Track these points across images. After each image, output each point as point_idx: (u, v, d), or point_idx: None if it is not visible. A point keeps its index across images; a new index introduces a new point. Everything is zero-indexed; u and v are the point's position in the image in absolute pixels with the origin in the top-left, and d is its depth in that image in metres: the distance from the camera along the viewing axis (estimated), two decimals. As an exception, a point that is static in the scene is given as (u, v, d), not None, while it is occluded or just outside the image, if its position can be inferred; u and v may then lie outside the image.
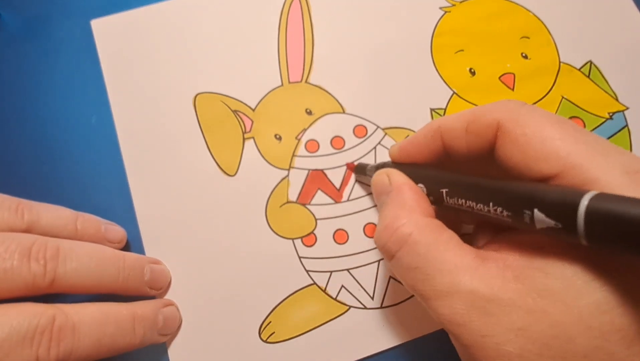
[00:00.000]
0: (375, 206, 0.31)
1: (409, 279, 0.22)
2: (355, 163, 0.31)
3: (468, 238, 0.24)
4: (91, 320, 0.24)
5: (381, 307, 0.29)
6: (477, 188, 0.22)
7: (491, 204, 0.20)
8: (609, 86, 0.34)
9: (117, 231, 0.30)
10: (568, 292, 0.18)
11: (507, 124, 0.22)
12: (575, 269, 0.19)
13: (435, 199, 0.24)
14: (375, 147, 0.32)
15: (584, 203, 0.17)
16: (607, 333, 0.18)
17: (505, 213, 0.20)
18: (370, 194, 0.31)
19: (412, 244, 0.22)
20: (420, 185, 0.25)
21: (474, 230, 0.26)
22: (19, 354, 0.21)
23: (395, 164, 0.27)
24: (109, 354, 0.24)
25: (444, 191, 0.23)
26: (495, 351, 0.19)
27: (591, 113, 0.33)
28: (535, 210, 0.18)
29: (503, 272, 0.20)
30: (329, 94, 0.33)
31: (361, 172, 0.30)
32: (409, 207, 0.23)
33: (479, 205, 0.21)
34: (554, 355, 0.18)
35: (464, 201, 0.22)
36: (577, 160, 0.19)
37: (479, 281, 0.20)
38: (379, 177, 0.26)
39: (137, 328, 0.26)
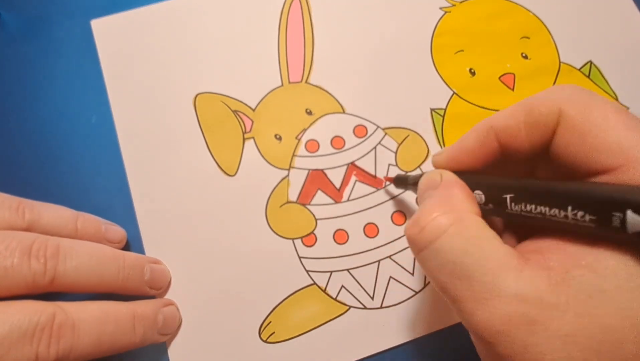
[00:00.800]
0: (375, 206, 0.31)
1: (442, 276, 0.20)
2: (393, 176, 0.30)
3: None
4: (91, 318, 0.24)
5: (381, 307, 0.29)
6: (551, 192, 0.20)
7: (570, 208, 0.18)
8: (609, 86, 0.34)
9: (117, 231, 0.30)
10: (620, 293, 0.17)
11: (569, 109, 0.20)
12: (628, 269, 0.17)
13: (496, 207, 0.22)
14: (375, 147, 0.32)
15: None
16: None
17: (588, 217, 0.18)
18: (370, 194, 0.31)
19: (452, 235, 0.19)
20: (478, 192, 0.22)
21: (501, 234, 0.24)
22: (19, 351, 0.21)
23: None
24: (108, 352, 0.24)
25: (508, 196, 0.21)
26: None
27: (591, 113, 0.33)
28: (629, 212, 0.17)
29: (549, 273, 0.18)
30: (329, 94, 0.33)
31: (401, 183, 0.29)
32: (455, 201, 0.21)
33: (553, 210, 0.19)
34: None
35: (533, 206, 0.20)
36: None
37: (524, 284, 0.18)
38: (431, 175, 0.24)
39: (137, 327, 0.26)
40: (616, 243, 0.18)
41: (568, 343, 0.17)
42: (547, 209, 0.19)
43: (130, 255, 0.28)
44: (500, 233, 0.24)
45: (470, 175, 0.23)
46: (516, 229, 0.24)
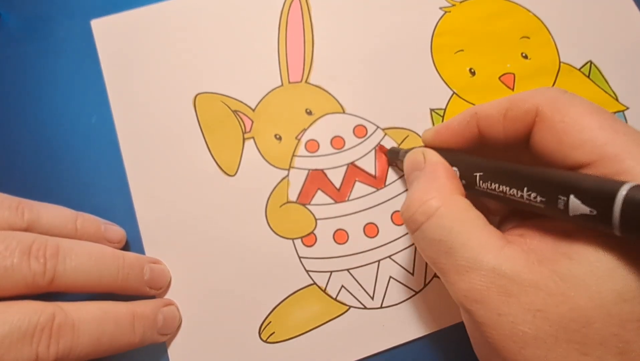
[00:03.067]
0: (375, 206, 0.31)
1: (431, 252, 0.22)
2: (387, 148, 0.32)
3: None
4: (91, 318, 0.24)
5: (381, 307, 0.29)
6: (512, 173, 0.22)
7: (525, 189, 0.21)
8: (609, 86, 0.34)
9: (117, 231, 0.30)
10: (591, 278, 0.18)
11: (546, 110, 0.22)
12: (599, 256, 0.19)
13: (467, 183, 0.24)
14: (375, 147, 0.32)
15: (622, 192, 0.17)
16: (626, 321, 0.18)
17: (539, 198, 0.20)
18: (370, 194, 0.31)
19: (439, 216, 0.22)
20: (454, 168, 0.25)
21: (500, 220, 0.26)
22: (19, 351, 0.21)
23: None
24: (108, 352, 0.25)
25: (478, 175, 0.23)
26: (510, 330, 0.19)
27: (591, 113, 0.33)
28: (571, 196, 0.18)
29: (527, 254, 0.20)
30: (329, 94, 0.33)
31: (394, 156, 0.31)
32: (441, 183, 0.23)
33: (512, 190, 0.21)
34: (570, 338, 0.18)
35: (497, 185, 0.22)
36: (613, 150, 0.19)
37: (503, 260, 0.20)
38: (414, 155, 0.27)
39: (137, 327, 0.26)
40: (591, 234, 0.19)
41: (538, 318, 0.19)
42: (508, 188, 0.22)
43: (130, 255, 0.28)
44: (497, 214, 0.27)
45: (449, 152, 0.26)
46: (513, 216, 0.26)
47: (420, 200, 0.23)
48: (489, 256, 0.20)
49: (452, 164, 0.25)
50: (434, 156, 0.26)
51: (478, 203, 0.24)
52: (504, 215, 0.26)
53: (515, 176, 0.21)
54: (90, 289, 0.25)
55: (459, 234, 0.21)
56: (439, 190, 0.23)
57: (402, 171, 0.28)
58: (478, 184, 0.23)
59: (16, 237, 0.24)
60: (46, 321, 0.22)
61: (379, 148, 0.32)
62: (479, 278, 0.20)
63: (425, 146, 0.28)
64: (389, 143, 0.32)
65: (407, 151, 0.29)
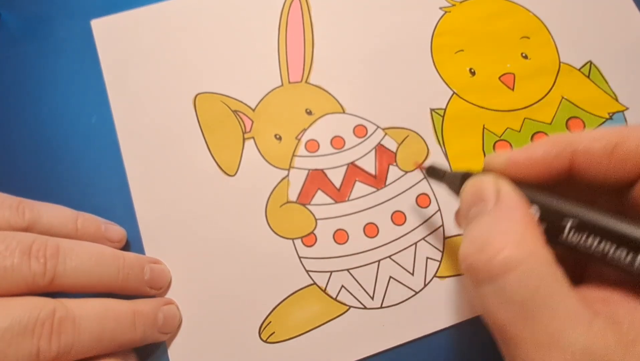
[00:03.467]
0: (375, 206, 0.31)
1: (505, 314, 0.18)
2: (426, 165, 0.28)
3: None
4: (92, 314, 0.24)
5: (381, 307, 0.29)
6: (625, 231, 0.17)
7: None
8: (609, 86, 0.34)
9: (117, 231, 0.30)
10: None
11: None
12: None
13: (549, 230, 0.19)
14: (375, 147, 0.32)
15: None
16: None
17: None
18: (370, 194, 0.31)
19: (525, 272, 0.18)
20: (534, 206, 0.20)
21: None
22: (20, 344, 0.21)
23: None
24: (110, 349, 0.25)
25: (569, 222, 0.19)
26: None
27: (591, 113, 0.33)
28: None
29: (619, 331, 0.17)
30: (329, 94, 0.33)
31: (435, 175, 0.27)
32: (521, 228, 0.19)
33: (619, 252, 0.17)
34: None
35: (597, 241, 0.18)
36: None
37: (593, 339, 0.16)
38: (482, 184, 0.21)
39: (138, 325, 0.26)
40: None
41: None
42: (613, 248, 0.17)
43: (130, 255, 0.28)
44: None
45: (527, 187, 0.21)
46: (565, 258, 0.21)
47: (496, 246, 0.18)
48: (578, 331, 0.16)
49: (530, 201, 0.20)
50: (510, 192, 0.20)
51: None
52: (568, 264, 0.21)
53: (629, 235, 0.17)
54: (91, 289, 0.25)
55: (547, 298, 0.17)
56: (521, 238, 0.18)
57: (451, 190, 0.25)
58: (566, 235, 0.19)
59: (16, 237, 0.24)
60: (47, 316, 0.22)
61: (416, 163, 0.29)
62: (564, 357, 0.16)
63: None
64: (389, 143, 0.32)
65: (453, 174, 0.25)
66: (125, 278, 0.26)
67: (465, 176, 0.23)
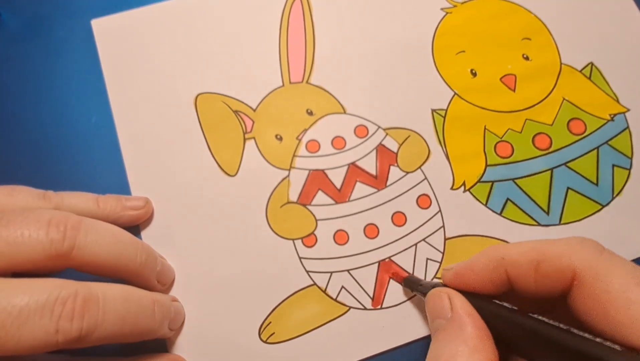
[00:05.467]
0: (375, 207, 0.31)
1: None
2: (405, 275, 0.30)
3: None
4: (116, 295, 0.24)
5: (381, 308, 0.29)
6: (564, 347, 0.19)
7: None
8: (610, 87, 0.34)
9: (138, 198, 0.30)
10: None
11: (585, 275, 0.20)
12: None
13: (501, 338, 0.21)
14: (376, 148, 0.32)
15: None
16: None
17: None
18: (370, 195, 0.31)
19: None
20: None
21: None
22: (37, 323, 0.21)
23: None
24: (130, 337, 0.24)
25: (522, 342, 0.21)
26: None
27: (592, 115, 0.33)
28: None
29: None
30: (330, 94, 0.33)
31: (411, 286, 0.28)
32: (472, 346, 0.20)
33: None
34: None
35: (542, 355, 0.20)
36: None
37: None
38: (438, 299, 0.23)
39: (157, 313, 0.26)
40: None
41: None
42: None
43: (146, 244, 0.28)
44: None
45: (479, 298, 0.23)
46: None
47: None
48: None
49: (482, 314, 0.22)
50: (462, 304, 0.22)
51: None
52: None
53: (570, 351, 0.19)
54: (109, 269, 0.25)
55: None
56: (471, 356, 0.20)
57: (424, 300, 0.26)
58: (517, 345, 0.21)
59: (36, 211, 0.24)
60: (68, 295, 0.22)
61: (393, 274, 0.30)
62: None
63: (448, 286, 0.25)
64: (390, 143, 0.32)
65: (428, 285, 0.26)
66: (142, 262, 0.26)
67: (434, 286, 0.25)
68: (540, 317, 0.21)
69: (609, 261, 0.20)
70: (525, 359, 0.22)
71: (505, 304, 0.22)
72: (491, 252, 0.23)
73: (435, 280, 0.27)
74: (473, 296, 0.23)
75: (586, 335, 0.19)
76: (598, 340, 0.19)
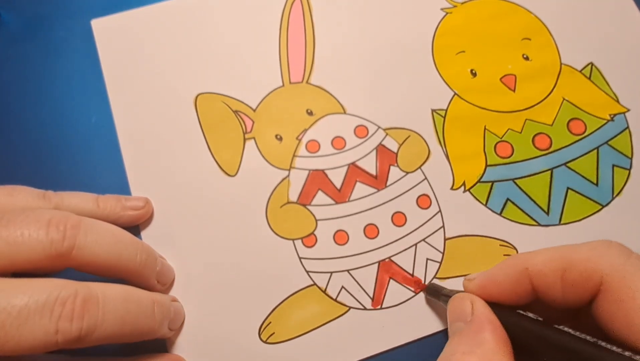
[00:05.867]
0: (375, 207, 0.31)
1: None
2: (427, 283, 0.30)
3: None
4: (116, 295, 0.23)
5: (381, 308, 0.29)
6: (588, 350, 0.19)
7: None
8: (610, 87, 0.34)
9: (138, 199, 0.30)
10: None
11: (611, 280, 0.19)
12: None
13: (523, 347, 0.21)
14: (376, 148, 0.32)
15: None
16: None
17: None
18: (370, 195, 0.31)
19: None
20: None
21: None
22: (36, 323, 0.21)
23: None
24: (130, 337, 0.24)
25: (545, 355, 0.20)
26: None
27: (592, 115, 0.33)
28: None
29: None
30: (330, 94, 0.33)
31: (433, 294, 0.28)
32: (488, 348, 0.20)
33: None
34: None
35: None
36: None
37: None
38: (460, 302, 0.24)
39: (157, 313, 0.26)
40: None
41: None
42: None
43: (146, 243, 0.28)
44: None
45: (502, 310, 0.22)
46: None
47: None
48: None
49: (505, 325, 0.22)
50: (484, 311, 0.22)
51: None
52: None
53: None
54: (109, 268, 0.25)
55: None
56: (484, 357, 0.20)
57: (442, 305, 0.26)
58: (540, 358, 0.20)
59: (37, 211, 0.24)
60: (68, 296, 0.22)
61: (416, 282, 0.30)
62: None
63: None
64: (390, 143, 0.32)
65: (451, 292, 0.26)
66: (142, 262, 0.26)
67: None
68: (565, 328, 0.20)
69: (634, 266, 0.19)
70: None
71: (530, 314, 0.22)
72: (513, 262, 0.23)
73: (458, 290, 0.26)
74: (496, 306, 0.23)
75: (614, 348, 0.19)
76: (627, 354, 0.18)
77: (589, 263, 0.20)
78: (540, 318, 0.22)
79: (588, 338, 0.19)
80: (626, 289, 0.19)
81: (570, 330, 0.20)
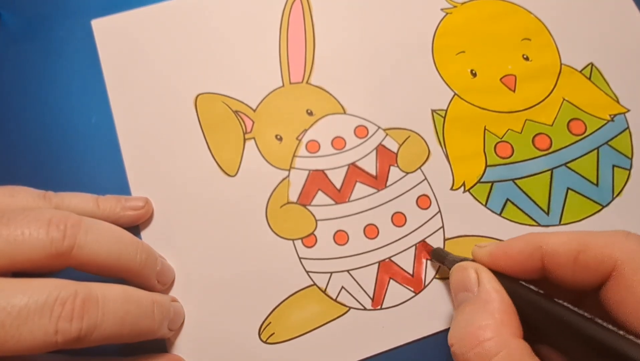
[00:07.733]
0: (375, 207, 0.31)
1: None
2: (433, 248, 0.30)
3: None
4: (115, 296, 0.23)
5: (381, 308, 0.29)
6: (597, 341, 0.19)
7: None
8: (610, 88, 0.34)
9: (138, 198, 0.30)
10: None
11: (625, 268, 0.20)
12: None
13: (528, 321, 0.21)
14: (376, 148, 0.32)
15: None
16: None
17: None
18: (370, 195, 0.31)
19: None
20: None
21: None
22: (36, 323, 0.21)
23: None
24: (129, 337, 0.24)
25: (544, 326, 0.21)
26: None
27: (592, 115, 0.33)
28: None
29: None
30: (330, 94, 0.33)
31: (438, 258, 0.29)
32: (499, 320, 0.21)
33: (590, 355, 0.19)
34: None
35: (572, 344, 0.20)
36: None
37: None
38: (465, 271, 0.24)
39: (156, 313, 0.26)
40: None
41: None
42: (582, 349, 0.19)
43: (146, 243, 0.28)
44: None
45: (508, 279, 0.23)
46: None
47: (475, 337, 0.20)
48: None
49: (510, 295, 0.22)
50: (490, 281, 0.23)
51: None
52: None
53: (590, 339, 0.19)
54: (109, 268, 0.25)
55: None
56: (497, 329, 0.20)
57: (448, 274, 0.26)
58: (540, 329, 0.21)
59: (37, 210, 0.24)
60: (67, 296, 0.22)
61: (421, 246, 0.30)
62: None
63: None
64: (390, 143, 0.32)
65: (454, 259, 0.26)
66: (142, 262, 0.26)
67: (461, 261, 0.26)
68: (565, 303, 0.21)
69: None
70: (547, 343, 0.22)
71: (532, 287, 0.22)
72: (529, 238, 0.23)
73: (463, 257, 0.27)
74: (500, 275, 0.23)
75: (610, 326, 0.19)
76: (621, 332, 0.19)
77: (605, 248, 0.21)
78: (541, 291, 0.22)
79: (586, 314, 0.20)
80: (638, 277, 0.19)
81: (569, 305, 0.20)
